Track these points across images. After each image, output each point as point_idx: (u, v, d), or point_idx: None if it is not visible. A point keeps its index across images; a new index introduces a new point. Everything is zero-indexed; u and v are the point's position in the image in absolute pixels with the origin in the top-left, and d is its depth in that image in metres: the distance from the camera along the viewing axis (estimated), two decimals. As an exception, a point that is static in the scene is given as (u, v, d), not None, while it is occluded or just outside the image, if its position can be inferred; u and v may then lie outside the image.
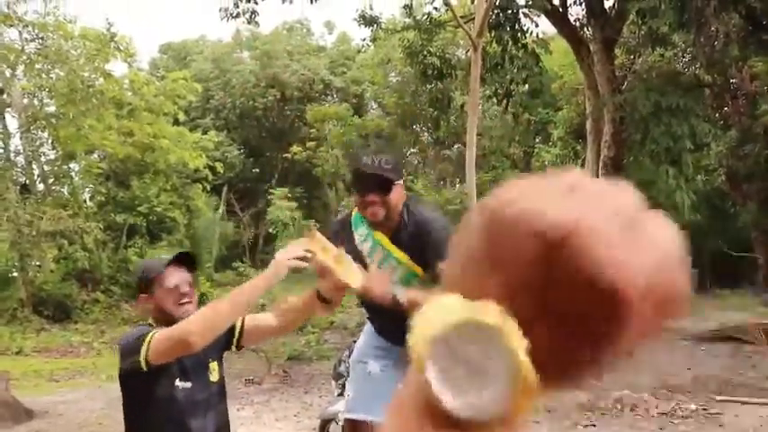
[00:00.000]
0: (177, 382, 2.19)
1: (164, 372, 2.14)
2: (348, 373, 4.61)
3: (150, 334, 2.08)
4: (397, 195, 2.64)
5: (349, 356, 4.72)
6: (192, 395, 2.23)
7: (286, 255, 2.20)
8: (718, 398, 7.43)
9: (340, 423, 4.96)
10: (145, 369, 2.06)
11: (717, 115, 15.01)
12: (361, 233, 2.75)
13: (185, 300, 2.29)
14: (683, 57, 14.58)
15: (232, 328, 2.38)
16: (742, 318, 14.77)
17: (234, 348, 2.48)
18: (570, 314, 0.33)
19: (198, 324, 2.03)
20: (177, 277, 2.29)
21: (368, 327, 3.11)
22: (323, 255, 2.21)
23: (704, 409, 6.73)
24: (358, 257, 2.64)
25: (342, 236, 2.72)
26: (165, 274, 2.27)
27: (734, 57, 11.47)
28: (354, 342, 4.16)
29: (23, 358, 11.58)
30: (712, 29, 11.45)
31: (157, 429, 2.21)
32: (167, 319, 2.23)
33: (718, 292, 22.19)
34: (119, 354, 2.19)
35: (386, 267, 2.66)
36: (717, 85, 13.33)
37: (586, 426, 6.25)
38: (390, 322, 2.76)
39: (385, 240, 2.69)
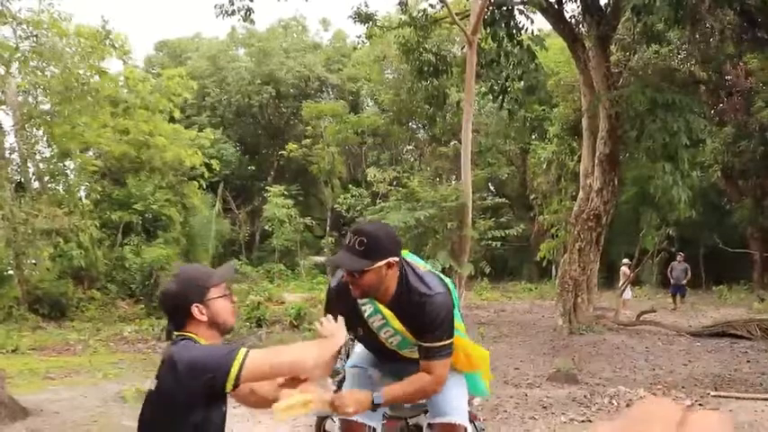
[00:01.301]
0: (222, 406, 2.18)
1: (221, 396, 2.11)
2: (344, 370, 4.61)
3: (241, 354, 1.99)
4: (373, 277, 2.64)
5: (346, 354, 4.72)
6: (222, 419, 2.21)
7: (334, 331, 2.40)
8: (714, 393, 7.46)
9: (336, 421, 4.97)
10: (228, 390, 2.00)
11: (712, 112, 15.03)
12: (364, 299, 2.79)
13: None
14: (679, 53, 14.58)
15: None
16: (737, 313, 14.83)
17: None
18: None
19: (316, 355, 2.13)
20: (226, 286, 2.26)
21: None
22: (303, 408, 2.29)
23: (699, 405, 6.76)
24: (360, 319, 2.79)
25: (342, 299, 2.79)
26: (224, 283, 2.22)
27: (729, 53, 11.50)
28: (351, 340, 4.16)
29: (19, 356, 11.54)
30: (707, 26, 11.48)
31: None
32: (219, 331, 2.19)
33: (713, 287, 22.29)
34: (184, 372, 1.99)
35: (385, 331, 2.78)
36: (712, 81, 13.35)
37: (582, 421, 6.27)
38: (385, 363, 2.92)
39: (384, 310, 2.76)
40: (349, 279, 2.68)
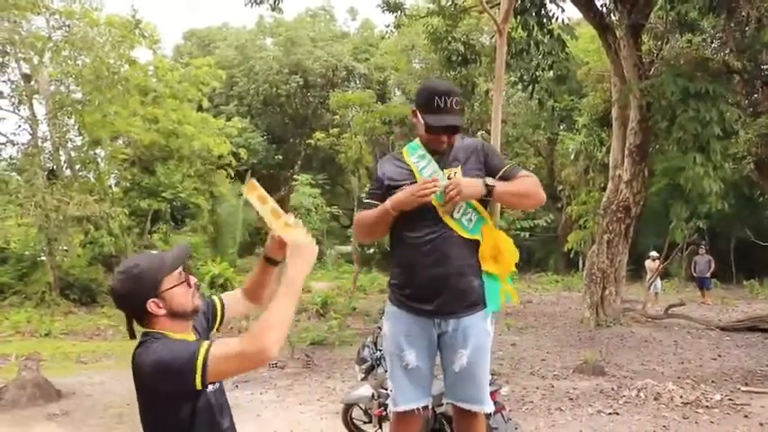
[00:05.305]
0: (209, 386, 1.98)
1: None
2: (371, 358, 4.64)
3: (202, 351, 1.84)
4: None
5: (373, 342, 4.74)
6: (217, 396, 2.08)
7: (304, 235, 2.06)
8: (744, 388, 7.35)
9: (363, 407, 5.00)
10: (199, 388, 1.86)
11: (746, 102, 14.68)
12: (417, 156, 3.05)
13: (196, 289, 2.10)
14: (712, 42, 14.27)
15: (215, 314, 2.34)
16: (769, 308, 14.58)
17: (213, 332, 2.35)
18: None
19: (273, 334, 1.83)
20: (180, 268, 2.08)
21: (391, 311, 3.10)
22: (260, 205, 2.17)
23: (729, 400, 6.66)
24: (410, 177, 2.99)
25: (391, 163, 3.12)
26: (177, 268, 2.04)
27: (765, 42, 11.21)
28: (379, 328, 4.16)
29: (52, 340, 11.79)
30: (743, 13, 11.21)
31: None
32: (184, 318, 2.05)
33: (744, 282, 21.94)
34: (150, 377, 1.90)
35: (436, 178, 2.93)
36: (747, 71, 13.01)
37: (610, 414, 6.22)
38: (430, 268, 2.90)
39: (434, 162, 3.01)
40: (441, 138, 2.98)
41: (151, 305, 1.97)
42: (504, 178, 2.98)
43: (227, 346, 1.85)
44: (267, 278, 2.37)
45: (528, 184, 3.00)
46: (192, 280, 2.09)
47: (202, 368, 1.82)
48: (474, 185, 2.84)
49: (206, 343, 1.88)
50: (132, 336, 2.08)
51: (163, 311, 1.98)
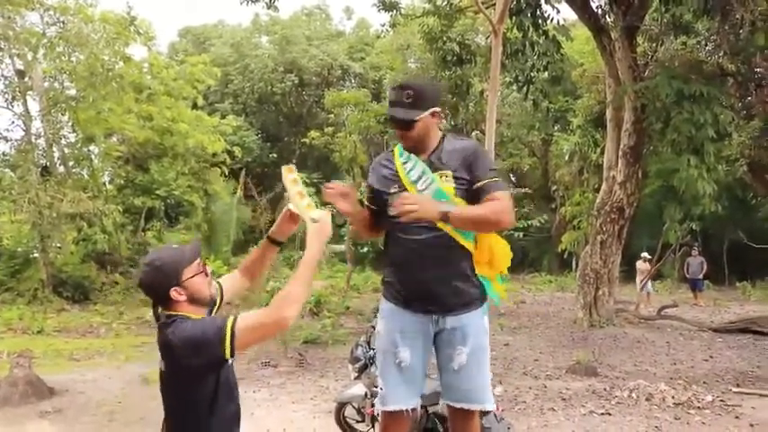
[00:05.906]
0: (230, 363, 2.23)
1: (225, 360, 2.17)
2: (365, 357, 4.63)
3: (229, 323, 2.07)
4: (423, 127, 2.88)
5: (366, 341, 4.73)
6: (233, 370, 2.30)
7: (323, 214, 2.33)
8: (735, 389, 7.39)
9: (355, 406, 5.00)
10: (228, 359, 2.11)
11: (740, 105, 14.74)
12: (405, 157, 3.00)
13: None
14: (707, 45, 14.32)
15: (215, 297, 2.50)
16: (762, 310, 14.65)
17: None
18: None
19: (292, 306, 2.10)
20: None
21: (387, 308, 3.09)
22: (292, 185, 2.49)
23: (721, 401, 6.69)
24: (398, 179, 2.95)
25: (384, 164, 3.09)
26: (196, 260, 2.27)
27: (759, 45, 11.24)
28: (372, 327, 4.16)
29: (44, 337, 11.74)
30: (737, 16, 11.24)
31: (225, 414, 2.27)
32: (201, 304, 2.25)
33: (737, 283, 22.03)
34: (181, 352, 2.10)
35: (423, 181, 2.89)
36: (741, 74, 13.05)
37: (602, 414, 6.24)
38: (429, 269, 2.89)
39: (423, 162, 2.94)
40: (401, 133, 2.92)
41: (173, 293, 2.19)
42: (479, 192, 2.82)
43: (252, 319, 2.11)
44: (267, 257, 2.70)
45: (491, 208, 2.76)
46: (209, 270, 2.34)
47: (231, 339, 2.05)
48: (431, 212, 2.67)
49: (231, 317, 2.11)
50: (158, 320, 2.27)
51: (183, 298, 2.20)
